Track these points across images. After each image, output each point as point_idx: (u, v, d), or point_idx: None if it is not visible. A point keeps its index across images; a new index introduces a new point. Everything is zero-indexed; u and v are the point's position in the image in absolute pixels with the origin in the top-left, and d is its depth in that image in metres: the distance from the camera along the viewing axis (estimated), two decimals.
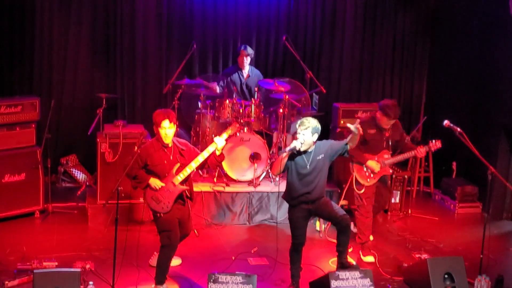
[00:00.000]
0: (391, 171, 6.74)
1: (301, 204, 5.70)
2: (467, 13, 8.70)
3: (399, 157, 6.58)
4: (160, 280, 5.67)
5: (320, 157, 5.64)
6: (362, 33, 9.28)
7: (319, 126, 5.59)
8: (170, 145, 5.68)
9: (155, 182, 5.63)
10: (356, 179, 6.59)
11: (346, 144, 5.61)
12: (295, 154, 5.61)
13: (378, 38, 9.32)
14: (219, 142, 5.63)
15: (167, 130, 5.57)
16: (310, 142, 5.56)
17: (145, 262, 6.24)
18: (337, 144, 5.71)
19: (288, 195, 5.78)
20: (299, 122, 5.58)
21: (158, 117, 5.56)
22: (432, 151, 6.49)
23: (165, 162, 5.65)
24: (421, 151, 6.43)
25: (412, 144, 6.70)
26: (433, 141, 6.39)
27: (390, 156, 6.59)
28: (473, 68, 8.58)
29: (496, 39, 8.13)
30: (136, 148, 5.58)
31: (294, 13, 9.10)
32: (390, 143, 6.62)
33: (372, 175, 6.54)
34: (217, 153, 5.68)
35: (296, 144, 5.47)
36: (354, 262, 6.25)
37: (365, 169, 6.54)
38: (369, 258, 6.59)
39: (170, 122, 5.56)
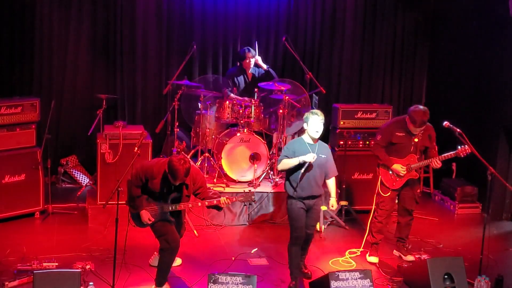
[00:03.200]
0: (418, 175, 6.46)
1: (301, 197, 5.77)
2: (467, 13, 8.71)
3: (422, 163, 6.38)
4: (160, 282, 5.67)
5: (323, 156, 5.81)
6: (362, 33, 9.29)
7: None
8: None
9: (145, 216, 5.59)
10: (382, 182, 6.50)
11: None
12: (307, 145, 5.76)
13: (378, 38, 9.33)
14: (223, 203, 5.59)
15: (177, 182, 5.50)
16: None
17: (145, 262, 6.24)
18: (332, 163, 5.96)
19: (290, 187, 5.80)
20: (318, 112, 5.74)
21: (177, 173, 5.36)
22: (462, 156, 6.09)
23: (165, 190, 5.60)
24: (436, 162, 6.17)
25: (436, 154, 6.34)
26: (461, 146, 6.02)
27: (416, 160, 6.37)
28: (473, 68, 8.58)
29: (496, 40, 8.13)
30: (136, 149, 5.58)
31: (294, 14, 9.11)
32: (417, 147, 6.37)
33: (397, 179, 6.42)
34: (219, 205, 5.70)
35: (310, 160, 5.62)
36: (310, 274, 6.19)
37: (391, 172, 6.43)
38: (373, 259, 6.59)
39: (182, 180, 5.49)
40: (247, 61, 8.29)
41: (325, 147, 5.93)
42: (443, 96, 9.21)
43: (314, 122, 5.71)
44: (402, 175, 6.36)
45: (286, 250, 5.87)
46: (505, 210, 8.11)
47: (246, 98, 8.03)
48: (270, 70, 8.48)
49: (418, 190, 6.63)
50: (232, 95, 8.11)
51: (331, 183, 6.00)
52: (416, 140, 6.33)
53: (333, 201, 6.01)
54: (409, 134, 6.33)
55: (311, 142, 5.78)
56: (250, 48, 8.37)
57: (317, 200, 5.90)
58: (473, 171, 8.28)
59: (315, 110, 5.82)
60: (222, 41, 9.01)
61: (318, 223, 7.35)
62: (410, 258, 6.60)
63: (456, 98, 8.90)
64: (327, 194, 7.61)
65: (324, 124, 5.78)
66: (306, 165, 5.63)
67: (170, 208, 5.59)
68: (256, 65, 8.42)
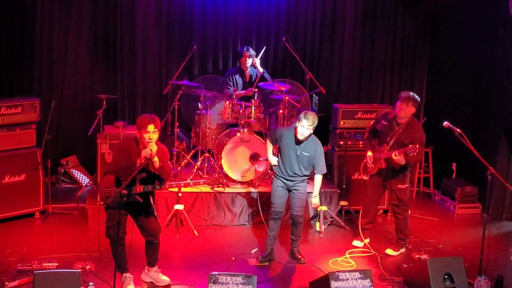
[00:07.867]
0: (385, 164, 6.58)
1: (283, 177, 6.30)
2: (467, 14, 8.71)
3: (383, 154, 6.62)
4: (120, 269, 5.66)
5: (306, 154, 6.20)
6: (362, 33, 9.29)
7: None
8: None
9: (147, 151, 5.36)
10: (364, 166, 6.83)
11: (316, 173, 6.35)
12: (295, 139, 6.18)
13: (378, 38, 9.33)
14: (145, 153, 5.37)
15: (151, 134, 5.40)
16: (308, 136, 6.15)
17: (145, 263, 6.23)
18: (318, 161, 6.26)
19: (277, 167, 6.36)
20: (309, 117, 6.04)
21: (143, 120, 5.41)
22: (409, 154, 6.23)
23: (136, 167, 5.43)
24: (394, 154, 6.30)
25: (400, 154, 6.37)
26: (411, 145, 6.21)
27: (386, 151, 6.51)
28: (473, 68, 8.59)
29: (496, 40, 8.13)
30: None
31: (294, 14, 9.11)
32: (393, 140, 6.48)
33: (371, 166, 6.69)
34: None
35: (273, 163, 6.34)
36: (303, 259, 6.46)
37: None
38: (356, 243, 6.89)
39: (155, 127, 5.42)
40: (244, 59, 8.29)
41: (313, 145, 6.22)
42: (443, 96, 9.22)
43: (301, 126, 6.07)
44: (370, 162, 6.68)
45: (286, 250, 5.89)
46: (505, 210, 8.11)
47: (249, 90, 8.14)
48: (265, 74, 8.47)
49: (400, 186, 6.62)
50: (235, 93, 8.11)
51: (317, 180, 6.34)
52: (395, 130, 6.48)
53: (313, 199, 6.40)
54: (391, 125, 6.55)
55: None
56: (249, 47, 8.40)
57: (297, 183, 6.27)
58: (473, 171, 8.29)
59: (309, 115, 6.05)
60: (222, 41, 9.01)
61: (318, 225, 7.39)
62: (389, 251, 6.80)
63: (456, 98, 8.90)
64: (327, 195, 7.69)
65: (314, 128, 6.10)
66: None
67: (139, 190, 5.42)
68: (253, 66, 8.44)
